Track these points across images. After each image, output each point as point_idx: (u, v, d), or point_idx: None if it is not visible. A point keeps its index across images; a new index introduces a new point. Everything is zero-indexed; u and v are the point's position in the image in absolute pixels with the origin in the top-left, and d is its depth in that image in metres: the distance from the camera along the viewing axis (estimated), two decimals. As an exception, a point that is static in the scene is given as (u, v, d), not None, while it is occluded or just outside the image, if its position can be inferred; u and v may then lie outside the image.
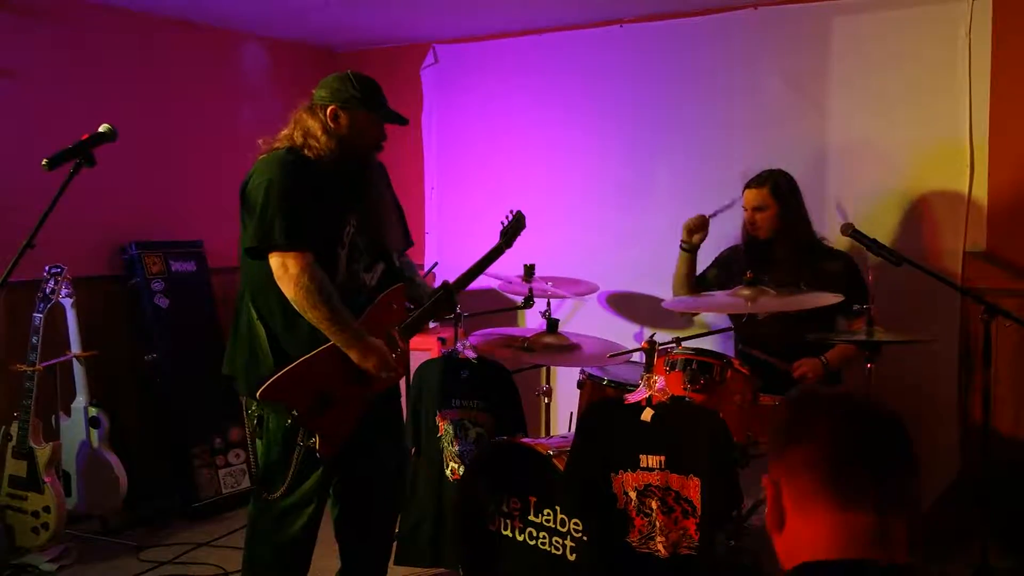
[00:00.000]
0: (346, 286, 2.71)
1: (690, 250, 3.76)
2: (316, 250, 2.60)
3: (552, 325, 3.56)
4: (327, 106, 2.70)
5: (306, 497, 2.77)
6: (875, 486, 1.19)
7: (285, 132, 2.73)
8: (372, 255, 2.83)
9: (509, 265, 4.06)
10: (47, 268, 3.67)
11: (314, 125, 2.68)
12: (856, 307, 3.10)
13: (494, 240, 3.26)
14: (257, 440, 2.80)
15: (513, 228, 3.23)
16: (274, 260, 2.58)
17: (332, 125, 2.69)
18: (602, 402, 3.20)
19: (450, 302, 2.98)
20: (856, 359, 3.34)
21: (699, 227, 3.74)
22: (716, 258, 3.83)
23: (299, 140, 2.68)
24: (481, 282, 4.48)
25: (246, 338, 2.71)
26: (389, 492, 3.06)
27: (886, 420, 1.24)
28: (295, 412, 2.61)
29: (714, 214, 3.77)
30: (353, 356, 2.65)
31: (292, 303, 2.58)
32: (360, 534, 3.05)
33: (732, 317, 3.64)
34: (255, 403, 2.72)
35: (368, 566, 3.08)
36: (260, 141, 2.77)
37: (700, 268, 3.81)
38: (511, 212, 3.28)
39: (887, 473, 1.20)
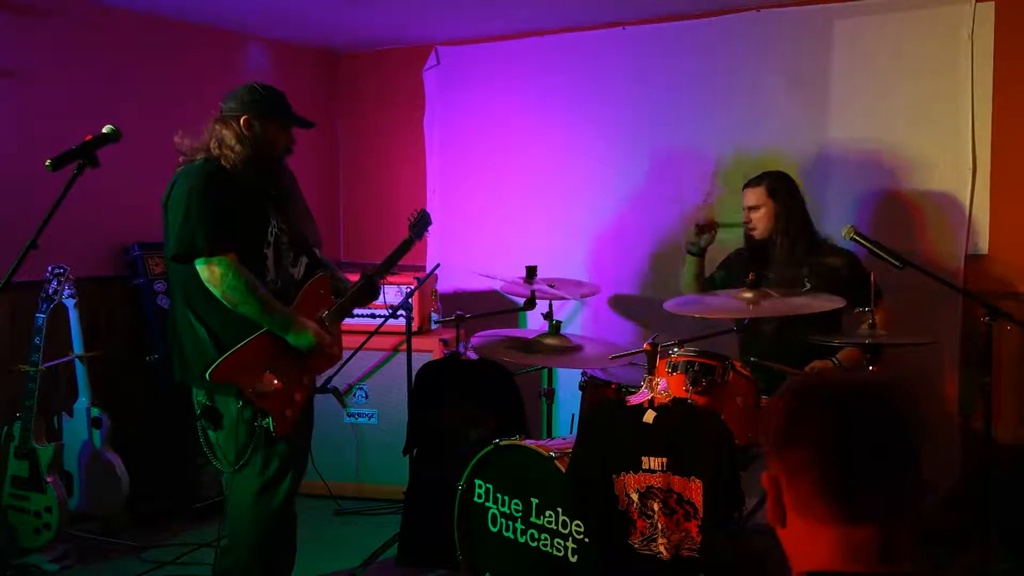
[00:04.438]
0: (279, 281, 2.90)
1: (698, 253, 3.76)
2: (240, 251, 2.75)
3: (554, 327, 3.56)
4: (240, 116, 2.84)
5: (281, 469, 2.88)
6: (877, 496, 1.12)
7: (201, 143, 2.86)
8: (296, 251, 3.00)
9: (511, 267, 4.06)
10: (50, 268, 3.68)
11: (228, 135, 2.82)
12: (860, 309, 3.10)
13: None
14: (213, 432, 2.89)
15: (419, 222, 3.43)
16: (200, 266, 2.72)
17: (246, 133, 2.83)
18: (604, 404, 3.20)
19: (372, 289, 3.16)
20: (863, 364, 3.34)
21: (707, 228, 3.73)
22: (723, 260, 3.84)
23: (215, 150, 2.82)
24: (483, 283, 4.50)
25: (189, 337, 2.84)
26: (302, 465, 3.13)
27: (890, 417, 1.15)
28: (244, 392, 2.76)
29: (715, 225, 3.75)
30: (289, 338, 2.83)
31: (224, 303, 2.73)
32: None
33: (734, 321, 3.64)
34: (203, 393, 2.87)
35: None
36: (177, 138, 2.88)
37: (707, 271, 3.82)
38: (415, 211, 3.47)
39: (890, 480, 1.13)
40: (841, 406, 1.16)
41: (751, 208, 3.56)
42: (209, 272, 2.72)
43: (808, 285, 3.41)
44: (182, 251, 2.74)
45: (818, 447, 1.14)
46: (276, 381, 2.82)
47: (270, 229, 2.88)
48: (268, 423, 2.80)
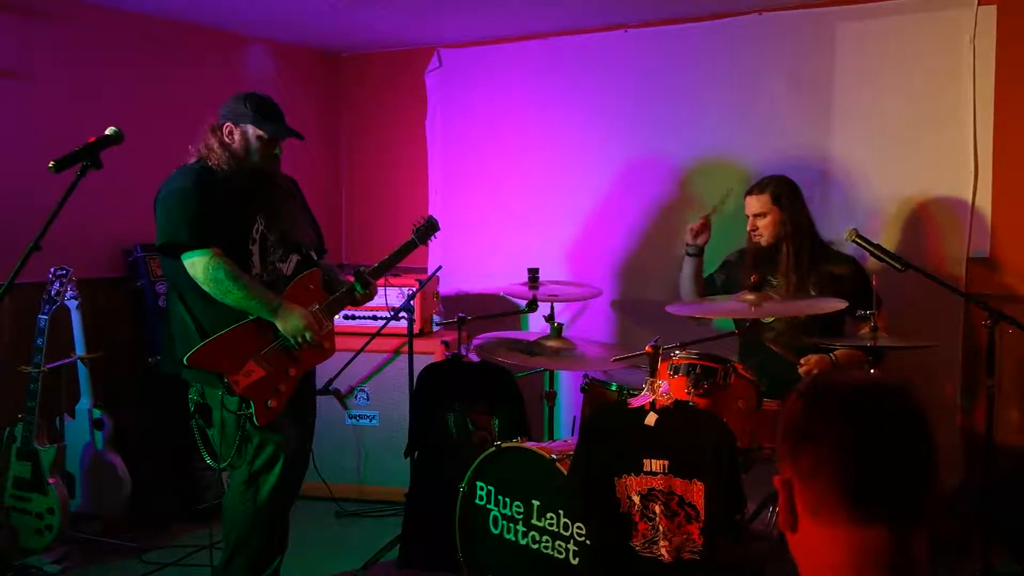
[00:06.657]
0: (265, 275, 3.04)
1: (696, 254, 3.76)
2: (223, 245, 2.91)
3: (556, 329, 3.56)
4: (224, 124, 3.05)
5: (269, 461, 2.98)
6: (894, 498, 1.10)
7: (197, 148, 3.08)
8: (285, 248, 3.12)
9: (513, 269, 4.07)
10: (52, 270, 3.68)
11: (213, 141, 3.04)
12: (860, 312, 3.10)
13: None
14: (208, 431, 3.03)
15: (426, 228, 3.50)
16: (185, 260, 2.90)
17: (228, 140, 3.04)
18: (605, 406, 3.21)
19: (367, 287, 3.24)
20: (863, 364, 3.33)
21: (702, 229, 3.76)
22: (723, 262, 3.83)
23: (204, 153, 3.04)
24: (485, 285, 4.49)
25: (178, 328, 3.00)
26: (299, 468, 3.22)
27: (908, 418, 1.12)
28: (224, 378, 2.87)
29: (713, 211, 3.79)
30: (279, 324, 2.96)
31: (211, 294, 2.88)
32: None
33: (736, 323, 3.64)
34: (196, 391, 3.02)
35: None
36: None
37: (706, 270, 3.82)
38: (423, 217, 3.53)
39: (907, 483, 1.10)
40: (861, 403, 1.14)
41: (757, 215, 3.55)
42: (193, 265, 2.88)
43: (814, 293, 3.41)
44: (168, 244, 2.93)
45: (837, 444, 1.11)
46: (258, 369, 2.90)
47: (255, 227, 3.04)
48: (250, 412, 2.90)
